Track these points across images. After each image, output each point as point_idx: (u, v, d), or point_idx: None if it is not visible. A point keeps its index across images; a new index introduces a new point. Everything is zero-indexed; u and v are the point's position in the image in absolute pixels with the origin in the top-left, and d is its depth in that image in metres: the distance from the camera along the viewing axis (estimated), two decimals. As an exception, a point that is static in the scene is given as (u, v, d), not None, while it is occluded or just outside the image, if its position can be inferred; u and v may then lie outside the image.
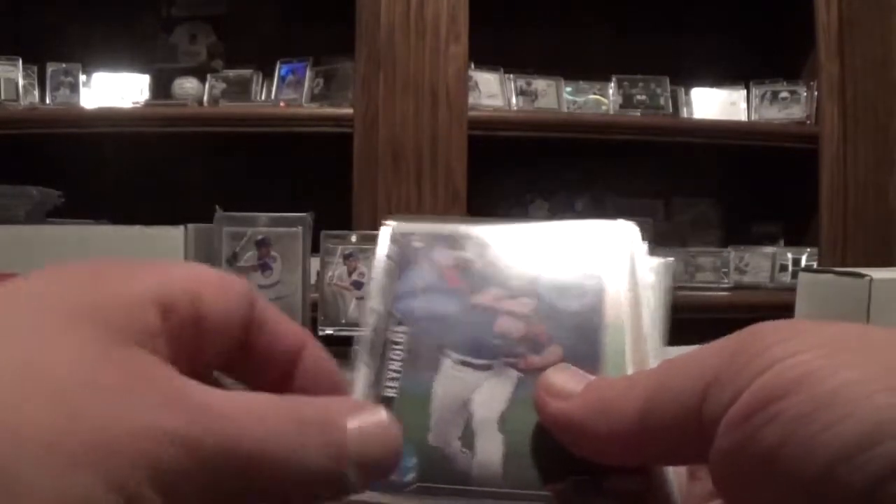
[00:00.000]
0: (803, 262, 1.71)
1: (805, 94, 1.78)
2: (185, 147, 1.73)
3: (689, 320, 0.43)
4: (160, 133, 1.67)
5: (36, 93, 1.75)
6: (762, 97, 1.82)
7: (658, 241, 1.67)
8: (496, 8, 1.67)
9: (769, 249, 1.77)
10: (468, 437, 0.27)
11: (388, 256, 0.31)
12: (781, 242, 1.83)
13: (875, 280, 0.64)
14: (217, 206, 0.96)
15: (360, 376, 0.29)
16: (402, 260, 0.31)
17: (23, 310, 0.21)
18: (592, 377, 0.26)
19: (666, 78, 1.82)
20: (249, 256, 0.95)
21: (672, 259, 0.33)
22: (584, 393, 0.25)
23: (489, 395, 0.28)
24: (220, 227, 0.95)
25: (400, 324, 0.30)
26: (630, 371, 0.28)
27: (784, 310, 0.75)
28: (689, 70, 1.84)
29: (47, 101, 1.75)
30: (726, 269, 1.73)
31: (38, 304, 0.21)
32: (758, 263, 1.75)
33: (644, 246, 0.31)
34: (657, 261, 0.32)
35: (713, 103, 1.84)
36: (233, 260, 0.95)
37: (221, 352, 0.25)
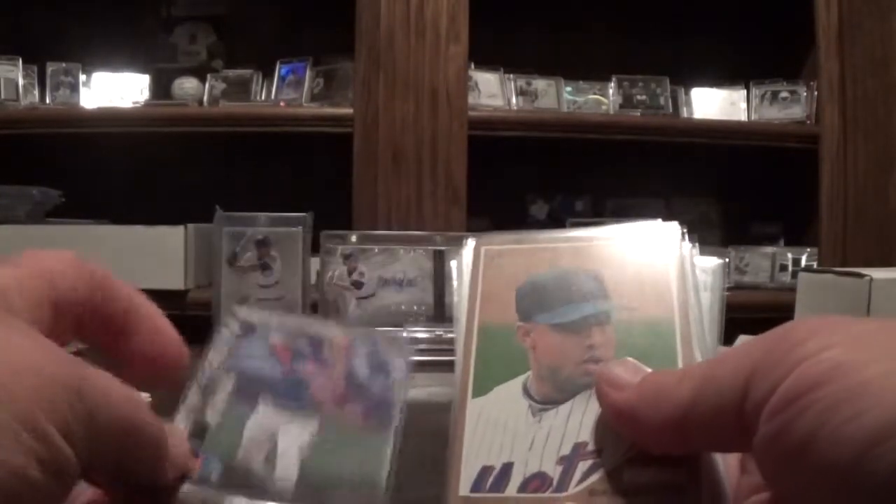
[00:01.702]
0: (803, 262, 1.71)
1: (805, 94, 1.78)
2: (185, 147, 1.73)
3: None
4: (160, 133, 1.67)
5: (36, 93, 1.75)
6: (762, 97, 1.82)
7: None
8: (496, 8, 1.67)
9: (769, 249, 1.77)
10: (271, 458, 0.31)
11: (233, 334, 0.35)
12: (781, 242, 1.83)
13: (875, 280, 0.64)
14: (217, 206, 0.96)
15: (187, 403, 0.32)
16: (244, 333, 0.35)
17: None
18: (648, 370, 0.28)
19: (666, 78, 1.82)
20: (249, 256, 0.95)
21: (726, 260, 0.35)
22: (639, 385, 0.27)
23: (296, 430, 0.32)
24: (220, 227, 0.95)
25: (230, 372, 0.33)
26: (681, 365, 0.30)
27: (784, 310, 0.75)
28: (689, 70, 1.84)
29: (47, 101, 1.75)
30: (726, 269, 1.73)
31: None
32: (758, 263, 1.75)
33: (694, 247, 0.33)
34: (711, 261, 0.34)
35: (713, 103, 1.84)
36: (233, 260, 0.95)
37: (71, 321, 0.28)
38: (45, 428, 0.21)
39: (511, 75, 1.77)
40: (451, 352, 0.33)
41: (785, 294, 1.48)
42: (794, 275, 1.59)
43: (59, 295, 0.27)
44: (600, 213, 1.89)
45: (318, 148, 1.70)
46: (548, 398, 0.30)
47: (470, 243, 0.35)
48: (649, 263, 0.33)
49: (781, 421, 0.23)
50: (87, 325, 0.29)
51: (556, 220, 1.85)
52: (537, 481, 0.28)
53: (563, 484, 0.27)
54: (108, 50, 1.81)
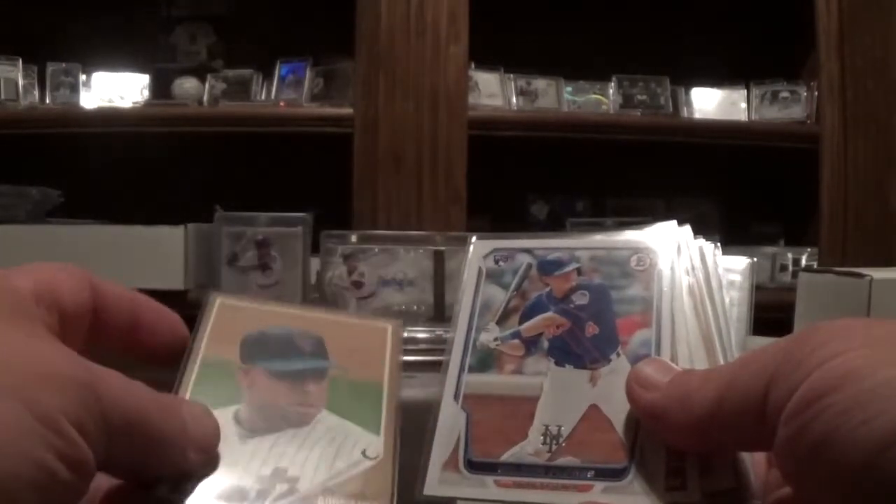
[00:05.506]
0: (803, 262, 1.71)
1: (805, 94, 1.78)
2: (185, 147, 1.73)
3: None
4: (160, 133, 1.67)
5: (36, 93, 1.75)
6: (762, 97, 1.82)
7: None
8: (496, 8, 1.67)
9: (769, 249, 1.76)
10: None
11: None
12: (781, 242, 1.83)
13: (875, 280, 0.64)
14: (217, 206, 0.96)
15: None
16: None
17: None
18: (678, 369, 0.29)
19: (666, 78, 1.82)
20: (249, 256, 0.95)
21: (755, 259, 0.37)
22: (668, 385, 0.28)
23: None
24: (220, 227, 0.95)
25: None
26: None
27: (784, 310, 0.75)
28: (689, 70, 1.84)
29: (47, 101, 1.75)
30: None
31: None
32: (758, 263, 1.75)
33: (716, 247, 0.35)
34: (740, 261, 0.35)
35: (713, 103, 1.84)
36: (233, 260, 0.95)
37: (81, 332, 0.29)
38: (65, 426, 0.22)
39: (511, 75, 1.77)
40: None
41: (785, 294, 1.48)
42: (794, 275, 1.59)
43: (65, 304, 0.28)
44: (600, 213, 1.89)
45: (318, 148, 1.69)
46: (257, 427, 0.31)
47: (213, 297, 0.37)
48: (368, 338, 0.36)
49: (798, 424, 0.23)
50: (94, 330, 0.30)
51: (556, 220, 1.85)
52: (235, 493, 0.29)
53: (259, 499, 0.28)
54: (108, 50, 1.81)
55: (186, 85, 1.76)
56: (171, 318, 0.33)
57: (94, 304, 0.30)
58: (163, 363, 0.32)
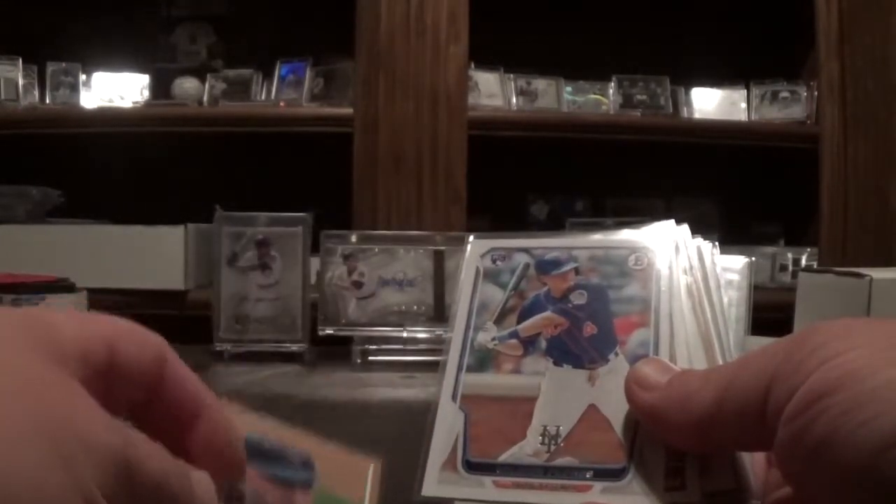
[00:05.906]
0: (803, 262, 1.71)
1: (805, 94, 1.78)
2: (185, 147, 1.73)
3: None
4: (160, 133, 1.67)
5: (36, 93, 1.75)
6: (762, 97, 1.82)
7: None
8: (496, 8, 1.67)
9: (769, 249, 1.76)
10: None
11: None
12: (781, 242, 1.83)
13: (875, 280, 0.64)
14: (217, 206, 0.96)
15: None
16: None
17: None
18: (677, 369, 0.29)
19: (666, 78, 1.82)
20: (249, 256, 0.95)
21: (753, 259, 0.37)
22: (667, 386, 0.28)
23: None
24: (220, 227, 0.95)
25: None
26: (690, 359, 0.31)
27: (784, 310, 0.75)
28: (689, 70, 1.84)
29: (47, 101, 1.75)
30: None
31: None
32: (758, 263, 1.75)
33: (714, 247, 0.35)
34: (738, 260, 0.35)
35: (713, 103, 1.84)
36: (233, 260, 0.95)
37: (129, 400, 0.27)
38: (95, 493, 0.22)
39: (511, 75, 1.77)
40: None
41: (785, 294, 1.48)
42: (794, 275, 1.59)
43: (117, 361, 0.26)
44: (600, 213, 1.89)
45: (318, 148, 1.69)
46: None
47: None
48: (353, 467, 0.36)
49: (798, 425, 0.23)
50: (145, 406, 0.28)
51: (556, 220, 1.85)
52: None
53: None
54: (108, 50, 1.81)
55: (186, 85, 1.76)
56: (228, 449, 0.30)
57: (156, 372, 0.27)
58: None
